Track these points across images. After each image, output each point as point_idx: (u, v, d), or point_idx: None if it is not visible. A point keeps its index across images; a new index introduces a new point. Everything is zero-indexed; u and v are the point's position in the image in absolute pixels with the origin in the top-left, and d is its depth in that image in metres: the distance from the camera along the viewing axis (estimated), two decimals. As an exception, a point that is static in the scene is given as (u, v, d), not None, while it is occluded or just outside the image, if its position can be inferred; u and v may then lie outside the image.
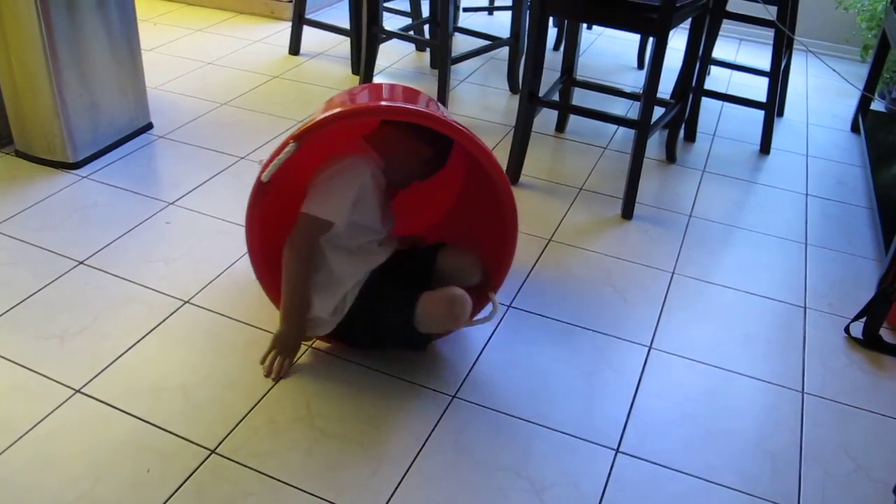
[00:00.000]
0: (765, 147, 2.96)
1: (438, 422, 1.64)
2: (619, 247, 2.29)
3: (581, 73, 3.16)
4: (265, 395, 1.67)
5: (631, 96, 2.81)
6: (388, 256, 1.74)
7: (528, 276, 2.12)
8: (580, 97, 3.04)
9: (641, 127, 2.34)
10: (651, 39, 2.35)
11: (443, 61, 2.82)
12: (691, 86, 2.74)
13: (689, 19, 2.48)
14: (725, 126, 3.14)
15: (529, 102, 2.43)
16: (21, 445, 1.52)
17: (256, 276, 1.75)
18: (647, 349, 1.90)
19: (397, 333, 1.72)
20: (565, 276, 2.14)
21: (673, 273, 2.20)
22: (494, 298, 1.79)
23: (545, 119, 2.94)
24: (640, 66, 3.62)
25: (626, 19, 2.29)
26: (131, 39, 2.56)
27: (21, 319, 1.83)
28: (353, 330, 1.73)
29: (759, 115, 2.96)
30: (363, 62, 3.03)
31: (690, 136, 2.98)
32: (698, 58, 2.65)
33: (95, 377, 1.68)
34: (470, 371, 1.79)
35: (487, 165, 1.67)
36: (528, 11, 3.15)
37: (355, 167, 1.68)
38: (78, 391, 1.65)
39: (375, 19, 2.96)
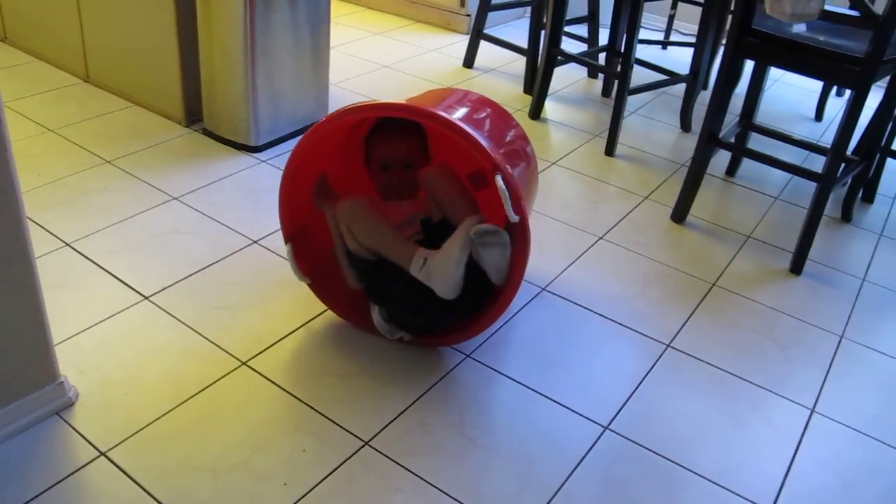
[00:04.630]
0: (950, 218, 2.77)
1: (590, 451, 1.61)
2: (785, 301, 2.20)
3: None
4: (420, 397, 1.68)
5: (813, 148, 2.70)
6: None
7: (689, 318, 2.06)
8: (755, 143, 2.94)
9: (825, 181, 2.24)
10: (834, 91, 2.24)
11: (620, 91, 2.80)
12: (879, 144, 2.60)
13: (890, 75, 2.36)
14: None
15: (708, 143, 2.37)
16: (189, 405, 1.59)
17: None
18: (808, 412, 1.81)
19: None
20: (727, 324, 2.07)
21: (841, 337, 2.09)
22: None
23: (715, 160, 2.85)
24: (819, 117, 3.48)
25: (826, 69, 2.20)
26: (321, 37, 2.65)
27: (197, 287, 1.92)
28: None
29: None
30: (538, 83, 3.03)
31: (869, 197, 2.84)
32: (893, 116, 2.52)
33: (261, 353, 1.74)
34: (624, 404, 1.75)
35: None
36: (709, 50, 3.09)
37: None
38: (244, 363, 1.71)
39: (556, 41, 2.96)
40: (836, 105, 3.62)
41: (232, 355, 1.73)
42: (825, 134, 3.35)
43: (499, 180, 1.52)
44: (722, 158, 2.88)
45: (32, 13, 3.03)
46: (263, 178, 2.43)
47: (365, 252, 1.69)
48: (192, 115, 2.67)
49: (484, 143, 1.54)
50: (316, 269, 1.85)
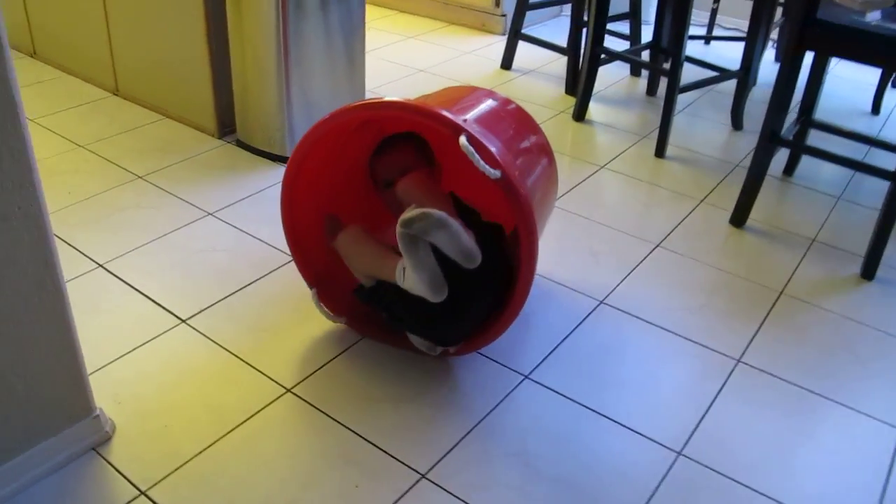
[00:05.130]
0: None
1: (663, 480, 1.49)
2: (859, 310, 2.05)
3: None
4: (477, 424, 1.57)
5: (883, 145, 2.54)
6: None
7: (758, 330, 1.93)
8: (813, 140, 2.79)
9: (901, 180, 2.09)
10: (891, 82, 2.09)
11: (670, 90, 2.66)
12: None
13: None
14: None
15: (770, 142, 2.23)
16: (233, 437, 1.48)
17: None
18: (896, 431, 1.67)
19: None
20: (799, 336, 1.93)
21: (926, 348, 1.94)
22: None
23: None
24: (876, 111, 3.32)
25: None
26: (356, 42, 2.55)
27: (236, 308, 1.82)
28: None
29: None
30: (582, 83, 2.91)
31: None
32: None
33: (306, 378, 1.64)
34: (697, 427, 1.62)
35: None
36: (761, 44, 2.95)
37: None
38: (289, 390, 1.60)
39: (600, 39, 2.84)
40: (894, 98, 3.45)
41: (276, 381, 1.62)
42: (885, 128, 3.19)
43: (462, 140, 1.41)
44: (778, 158, 2.73)
45: (61, 28, 2.96)
46: (301, 190, 2.33)
47: (367, 280, 1.65)
48: (225, 126, 2.58)
49: (446, 113, 1.45)
50: (349, 304, 1.76)
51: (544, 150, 1.80)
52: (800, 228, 2.40)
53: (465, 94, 1.81)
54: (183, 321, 1.77)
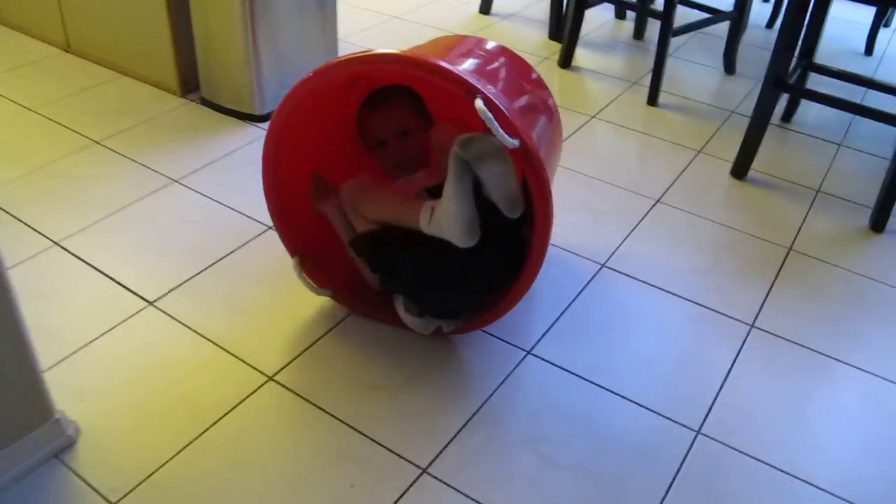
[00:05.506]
0: None
1: (683, 462, 1.37)
2: (871, 265, 1.94)
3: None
4: (480, 407, 1.44)
5: (886, 88, 2.40)
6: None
7: (769, 291, 1.81)
8: (811, 83, 2.66)
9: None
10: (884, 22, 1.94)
11: (664, 33, 2.50)
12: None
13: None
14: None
15: (775, 88, 2.08)
16: (212, 434, 1.34)
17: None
18: (922, 396, 1.57)
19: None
20: (814, 296, 1.82)
21: (944, 303, 1.84)
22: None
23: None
24: (869, 52, 3.18)
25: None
26: (327, -13, 2.36)
27: (209, 287, 1.67)
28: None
29: None
30: (567, 27, 2.73)
31: (940, 138, 2.56)
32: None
33: (289, 364, 1.49)
34: (714, 402, 1.50)
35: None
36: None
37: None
38: (271, 378, 1.46)
39: (586, -20, 2.66)
40: (886, 37, 3.32)
41: (256, 369, 1.48)
42: (879, 68, 3.06)
43: (478, 102, 1.24)
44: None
45: (2, -23, 2.72)
46: (273, 151, 2.15)
47: (371, 225, 1.48)
48: (188, 83, 2.38)
49: (456, 70, 1.28)
50: (336, 277, 1.61)
51: (550, 108, 1.64)
52: (803, 178, 2.27)
53: (456, 44, 1.64)
54: (150, 303, 1.61)
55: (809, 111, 2.62)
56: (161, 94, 2.39)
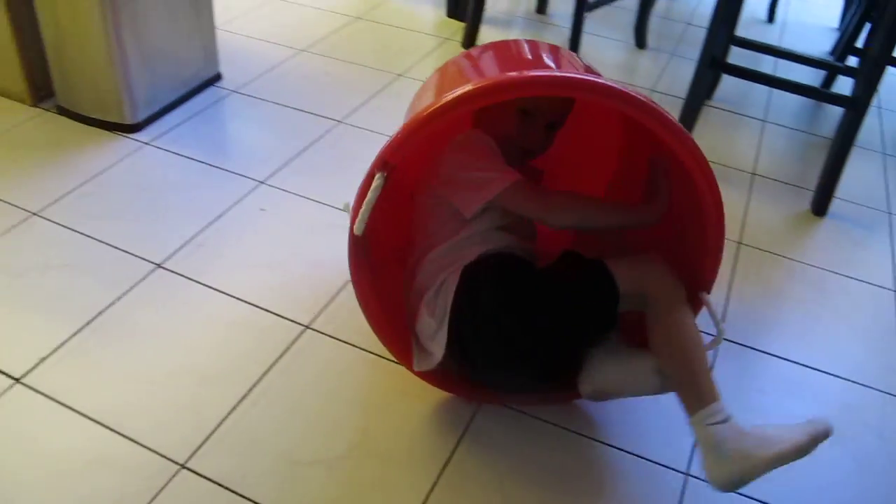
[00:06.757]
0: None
1: (680, 517, 1.19)
2: (823, 255, 1.82)
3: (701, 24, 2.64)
4: (444, 468, 1.21)
5: (815, 63, 2.29)
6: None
7: (728, 292, 1.66)
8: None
9: (859, 106, 1.84)
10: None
11: (579, 7, 2.31)
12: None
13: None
14: (889, 96, 2.65)
15: (711, 68, 1.92)
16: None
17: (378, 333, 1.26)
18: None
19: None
20: (772, 295, 1.68)
21: (896, 291, 1.74)
22: (712, 308, 1.18)
23: (684, 82, 2.40)
24: (771, 19, 3.10)
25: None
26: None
27: (90, 352, 1.35)
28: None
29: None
30: (471, 4, 2.49)
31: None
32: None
33: (200, 447, 1.22)
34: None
35: (675, 141, 1.10)
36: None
37: (475, 135, 1.24)
38: (183, 466, 1.18)
39: (489, -48, 2.42)
40: (787, 5, 3.25)
41: (161, 455, 1.19)
42: (783, 37, 2.98)
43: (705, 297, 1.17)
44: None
45: None
46: (153, 167, 1.83)
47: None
48: (40, 89, 2.00)
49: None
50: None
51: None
52: (736, 161, 2.14)
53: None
54: (17, 381, 1.29)
55: (727, 85, 2.48)
56: (7, 104, 2.00)
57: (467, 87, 1.05)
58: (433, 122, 1.05)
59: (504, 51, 1.37)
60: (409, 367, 1.24)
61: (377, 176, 1.07)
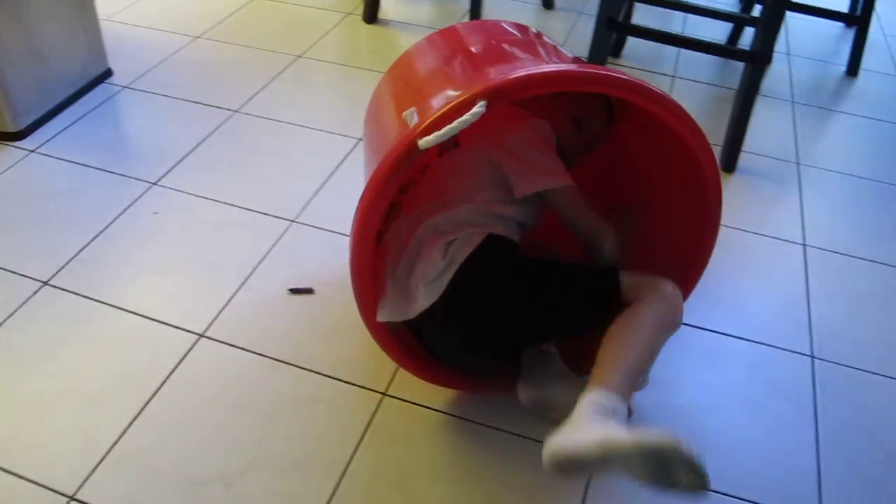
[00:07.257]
0: (853, 69, 2.49)
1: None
2: (736, 213, 1.81)
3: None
4: (344, 473, 1.18)
5: (720, 15, 2.27)
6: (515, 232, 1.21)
7: (638, 262, 1.64)
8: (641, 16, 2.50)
9: (760, 60, 1.83)
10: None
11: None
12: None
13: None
14: (798, 43, 2.65)
15: (608, 29, 1.89)
16: None
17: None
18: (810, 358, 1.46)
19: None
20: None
21: (805, 245, 1.74)
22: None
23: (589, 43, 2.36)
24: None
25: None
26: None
27: (-28, 381, 1.29)
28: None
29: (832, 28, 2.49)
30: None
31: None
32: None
33: (89, 477, 1.17)
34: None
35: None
36: None
37: (547, 126, 1.25)
38: (72, 498, 1.13)
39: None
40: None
41: (47, 487, 1.14)
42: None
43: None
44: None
45: None
46: (39, 177, 1.74)
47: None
48: None
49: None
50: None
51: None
52: (646, 122, 2.11)
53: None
54: None
55: (638, 42, 2.45)
56: None
57: (574, 68, 1.16)
58: (547, 85, 1.09)
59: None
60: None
61: (480, 104, 1.01)
